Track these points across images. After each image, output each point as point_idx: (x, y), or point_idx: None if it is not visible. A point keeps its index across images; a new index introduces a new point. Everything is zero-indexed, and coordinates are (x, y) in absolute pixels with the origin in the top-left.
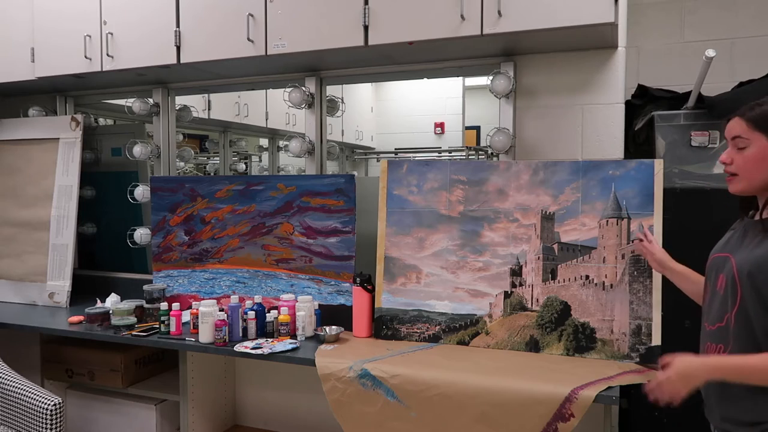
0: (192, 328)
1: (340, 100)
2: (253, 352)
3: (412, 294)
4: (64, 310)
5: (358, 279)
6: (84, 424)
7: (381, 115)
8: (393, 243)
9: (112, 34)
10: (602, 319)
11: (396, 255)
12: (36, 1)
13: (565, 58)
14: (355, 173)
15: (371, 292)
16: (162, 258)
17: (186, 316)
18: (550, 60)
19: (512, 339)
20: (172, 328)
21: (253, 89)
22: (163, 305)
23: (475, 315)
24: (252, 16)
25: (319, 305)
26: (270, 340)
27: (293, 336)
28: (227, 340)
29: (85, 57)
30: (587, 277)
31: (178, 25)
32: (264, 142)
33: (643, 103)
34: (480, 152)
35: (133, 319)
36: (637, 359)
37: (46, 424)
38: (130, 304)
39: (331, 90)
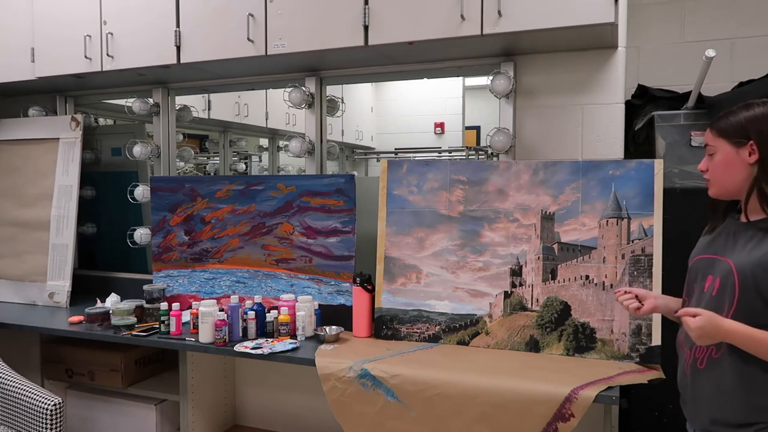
0: (192, 328)
1: (340, 100)
2: (253, 352)
3: (412, 294)
4: (64, 310)
5: (358, 279)
6: (84, 424)
7: (381, 115)
8: (393, 243)
9: (112, 34)
10: (602, 319)
11: (396, 255)
12: (36, 2)
13: (565, 58)
14: (355, 173)
15: (371, 292)
16: (162, 258)
17: (186, 316)
18: (550, 60)
19: (512, 339)
20: (172, 328)
21: (253, 89)
22: (163, 305)
23: (475, 315)
24: (252, 16)
25: (319, 305)
26: (270, 340)
27: (293, 336)
28: (227, 340)
29: (85, 57)
30: (587, 277)
31: (178, 25)
32: (264, 142)
33: (643, 103)
34: (480, 152)
35: (133, 319)
36: (637, 359)
37: (46, 424)
38: (130, 304)
39: (331, 90)
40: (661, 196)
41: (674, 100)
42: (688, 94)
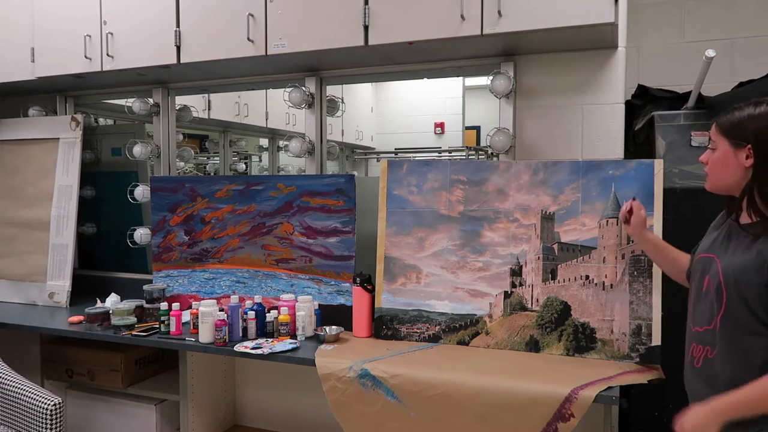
0: (192, 328)
1: (340, 100)
2: (253, 352)
3: (412, 294)
4: (64, 310)
5: (358, 279)
6: (84, 424)
7: (381, 115)
8: (393, 243)
9: (112, 34)
10: (602, 319)
11: (396, 255)
12: (36, 2)
13: (565, 58)
14: (355, 173)
15: (371, 292)
16: (162, 258)
17: (186, 316)
18: (550, 60)
19: (512, 339)
20: (172, 328)
21: (253, 89)
22: (163, 305)
23: (475, 315)
24: (252, 16)
25: (319, 305)
26: (270, 340)
27: (293, 336)
28: (227, 340)
29: (85, 57)
30: (587, 277)
31: (178, 25)
32: (264, 142)
33: (643, 103)
34: (480, 152)
35: (133, 319)
36: (637, 359)
37: (46, 424)
38: (130, 304)
39: (331, 90)
40: (661, 196)
41: (674, 100)
42: (688, 94)
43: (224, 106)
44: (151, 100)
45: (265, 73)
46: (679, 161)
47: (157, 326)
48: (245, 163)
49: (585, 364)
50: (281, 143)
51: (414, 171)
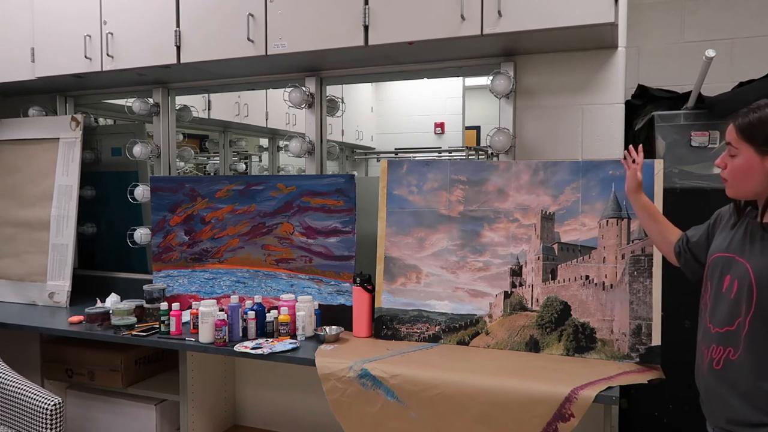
0: (192, 328)
1: (340, 100)
2: (253, 352)
3: (412, 294)
4: (64, 310)
5: (358, 279)
6: (84, 424)
7: (381, 115)
8: (393, 243)
9: (112, 34)
10: (602, 319)
11: (396, 255)
12: (36, 1)
13: (565, 58)
14: (355, 173)
15: (371, 292)
16: (162, 258)
17: (186, 316)
18: (550, 60)
19: (512, 339)
20: (172, 328)
21: (253, 89)
22: (163, 305)
23: (475, 315)
24: (252, 16)
25: (319, 305)
26: (270, 340)
27: (293, 336)
28: (227, 340)
29: (85, 57)
30: (587, 277)
31: (178, 25)
32: (264, 142)
33: (643, 103)
34: (480, 152)
35: (133, 319)
36: (637, 359)
37: (46, 424)
38: (130, 304)
39: (331, 90)
40: (661, 196)
41: (674, 100)
42: (688, 94)
43: (224, 106)
44: (151, 100)
45: (265, 73)
46: (679, 161)
47: (157, 326)
48: (245, 163)
49: (585, 364)
50: (281, 143)
51: (414, 171)
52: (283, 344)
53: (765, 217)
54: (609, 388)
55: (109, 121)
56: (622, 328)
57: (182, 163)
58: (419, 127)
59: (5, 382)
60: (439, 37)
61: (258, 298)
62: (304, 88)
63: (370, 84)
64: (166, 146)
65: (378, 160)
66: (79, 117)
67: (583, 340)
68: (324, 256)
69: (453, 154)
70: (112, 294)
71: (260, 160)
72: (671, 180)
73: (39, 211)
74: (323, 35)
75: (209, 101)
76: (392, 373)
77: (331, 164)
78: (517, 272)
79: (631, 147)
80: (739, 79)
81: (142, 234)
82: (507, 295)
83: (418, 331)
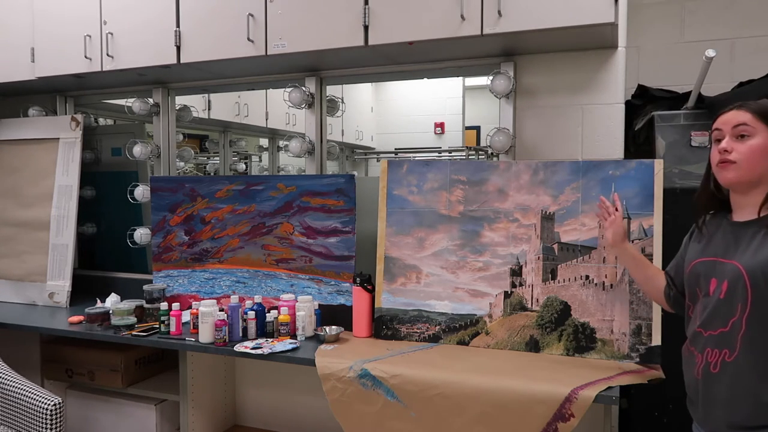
0: (192, 328)
1: (340, 100)
2: (253, 352)
3: (412, 294)
4: (64, 310)
5: (358, 279)
6: (84, 424)
7: (381, 115)
8: (393, 243)
9: (112, 34)
10: (602, 319)
11: (396, 255)
12: (36, 2)
13: (565, 58)
14: (355, 173)
15: (371, 292)
16: (162, 258)
17: (186, 316)
18: (550, 60)
19: (512, 339)
20: (172, 328)
21: (253, 89)
22: (163, 305)
23: (475, 315)
24: (252, 16)
25: (319, 305)
26: (270, 340)
27: (293, 336)
28: (227, 340)
29: (85, 57)
30: (587, 277)
31: (178, 25)
32: (264, 142)
33: (643, 103)
34: (480, 152)
35: (133, 319)
36: (637, 359)
37: (46, 424)
38: (130, 304)
39: (331, 90)
40: (661, 196)
41: (674, 100)
42: (688, 94)
43: (224, 106)
44: (151, 100)
45: (265, 73)
46: (679, 161)
47: (157, 326)
48: (245, 163)
49: (585, 364)
50: (281, 143)
51: (414, 171)
52: (283, 344)
53: (738, 216)
54: (609, 388)
55: (109, 121)
56: (622, 328)
57: (182, 163)
58: (419, 127)
59: (5, 382)
60: (439, 37)
61: (258, 298)
62: (304, 88)
63: (370, 84)
64: (166, 146)
65: (378, 160)
66: (79, 117)
67: (583, 340)
68: (324, 256)
69: (453, 154)
70: (112, 294)
71: (260, 160)
72: (671, 180)
73: (39, 211)
74: (323, 35)
75: (209, 101)
76: (392, 373)
77: (331, 164)
78: (517, 272)
79: (604, 199)
80: (739, 79)
81: (142, 234)
82: (507, 295)
83: (418, 331)
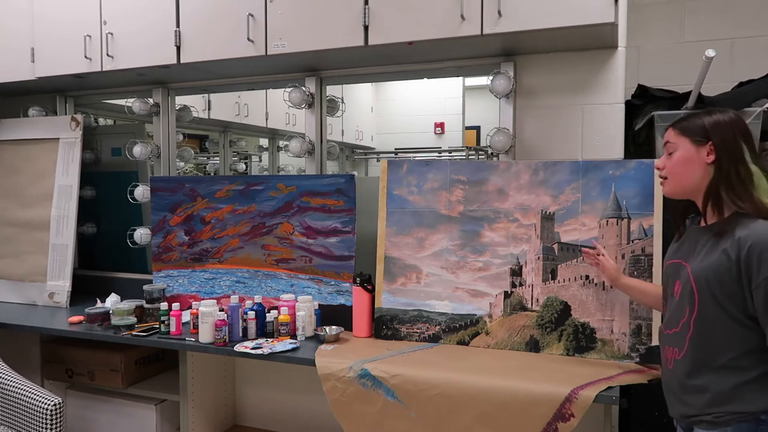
0: (192, 328)
1: (340, 100)
2: (253, 352)
3: (412, 294)
4: (64, 310)
5: (358, 279)
6: (84, 424)
7: (381, 115)
8: (393, 243)
9: (112, 34)
10: (602, 319)
11: (396, 255)
12: (36, 2)
13: (565, 58)
14: (355, 173)
15: (371, 292)
16: (162, 258)
17: (186, 316)
18: (550, 60)
19: (512, 339)
20: (172, 328)
21: (253, 89)
22: (163, 305)
23: (475, 315)
24: (252, 16)
25: (319, 305)
26: (270, 340)
27: (293, 336)
28: (227, 340)
29: (85, 57)
30: (587, 277)
31: (178, 25)
32: (264, 142)
33: (643, 103)
34: (480, 152)
35: (133, 319)
36: (637, 359)
37: (46, 424)
38: (130, 304)
39: (331, 90)
40: (661, 196)
41: (674, 100)
42: (688, 94)
43: (224, 106)
44: (151, 100)
45: (265, 73)
46: None
47: (157, 326)
48: (245, 163)
49: (585, 364)
50: (281, 143)
51: (414, 171)
52: (283, 344)
53: (707, 218)
54: (609, 388)
55: (109, 121)
56: (622, 328)
57: (182, 163)
58: (419, 127)
59: (5, 382)
60: (439, 37)
61: (258, 298)
62: (304, 88)
63: (370, 84)
64: (166, 146)
65: (378, 160)
66: (79, 117)
67: (583, 340)
68: (324, 256)
69: (453, 154)
70: (112, 294)
71: (260, 160)
72: None
73: (39, 212)
74: (323, 35)
75: (209, 101)
76: (392, 373)
77: (331, 164)
78: (517, 272)
79: (585, 249)
80: (739, 79)
81: (142, 234)
82: (507, 295)
83: (418, 331)
